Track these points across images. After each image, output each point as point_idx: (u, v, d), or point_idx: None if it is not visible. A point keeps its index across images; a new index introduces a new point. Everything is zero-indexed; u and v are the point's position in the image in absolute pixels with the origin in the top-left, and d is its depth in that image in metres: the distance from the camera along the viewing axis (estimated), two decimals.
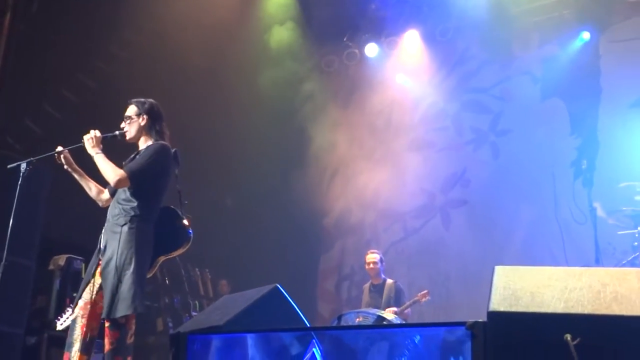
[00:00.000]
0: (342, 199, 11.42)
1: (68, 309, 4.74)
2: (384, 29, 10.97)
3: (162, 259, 4.64)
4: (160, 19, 8.88)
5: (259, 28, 10.47)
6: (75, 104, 8.47)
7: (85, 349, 4.32)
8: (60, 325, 4.78)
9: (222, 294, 9.08)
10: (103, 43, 8.76)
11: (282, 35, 10.66)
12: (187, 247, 4.65)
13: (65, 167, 4.66)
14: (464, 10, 9.89)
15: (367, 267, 8.42)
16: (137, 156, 4.60)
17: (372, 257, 8.39)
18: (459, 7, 9.95)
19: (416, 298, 8.00)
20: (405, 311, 7.81)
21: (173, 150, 4.66)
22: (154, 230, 4.52)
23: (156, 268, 4.62)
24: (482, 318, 3.11)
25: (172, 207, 4.69)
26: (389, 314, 7.29)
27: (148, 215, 4.50)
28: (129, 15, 8.68)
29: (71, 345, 4.33)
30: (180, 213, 4.66)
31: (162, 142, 4.64)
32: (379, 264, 8.32)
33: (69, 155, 4.63)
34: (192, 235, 4.61)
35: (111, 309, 4.22)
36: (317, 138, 11.02)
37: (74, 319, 4.41)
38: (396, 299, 7.99)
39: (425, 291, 8.04)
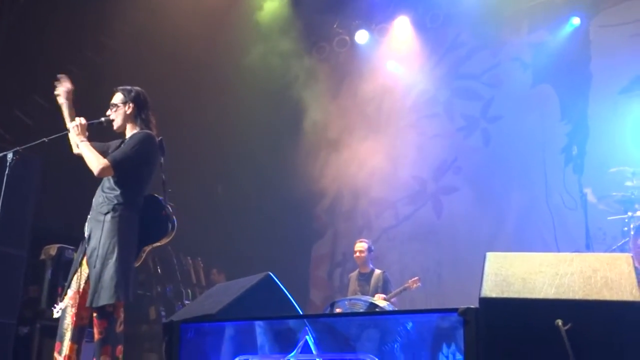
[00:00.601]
0: (334, 187, 11.42)
1: (62, 297, 4.75)
2: (374, 16, 10.95)
3: (148, 248, 4.61)
4: (148, 7, 8.83)
5: (249, 14, 10.42)
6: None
7: (76, 338, 4.32)
8: (57, 313, 4.78)
9: (215, 282, 9.09)
10: (93, 33, 8.72)
11: (272, 23, 10.61)
12: (171, 236, 4.59)
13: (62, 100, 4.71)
14: None
15: (354, 255, 8.44)
16: (122, 145, 4.58)
17: (360, 245, 8.40)
18: None
19: (407, 285, 8.02)
20: (392, 300, 7.82)
21: (158, 139, 4.64)
22: (140, 219, 4.51)
23: (143, 257, 4.60)
24: (474, 304, 3.12)
25: (156, 195, 4.66)
26: (381, 301, 7.32)
27: (132, 203, 4.47)
28: (117, 5, 8.63)
29: (62, 335, 4.33)
30: (163, 202, 4.65)
31: (147, 130, 4.62)
32: (366, 253, 8.32)
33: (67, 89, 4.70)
34: (175, 224, 4.57)
35: (94, 297, 4.22)
36: (308, 125, 11.01)
37: (64, 308, 4.41)
38: (383, 289, 8.01)
39: (416, 278, 8.07)
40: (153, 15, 8.85)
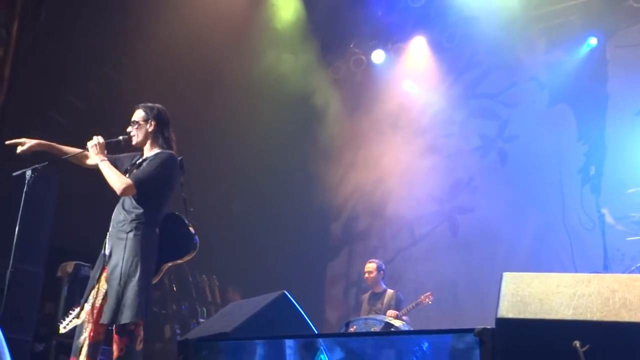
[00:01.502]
0: (349, 206, 11.42)
1: (71, 312, 4.79)
2: (390, 36, 10.99)
3: (167, 265, 4.67)
4: (167, 25, 8.90)
5: (265, 34, 10.47)
6: (83, 111, 8.50)
7: (92, 354, 4.34)
8: (64, 328, 4.82)
9: (230, 300, 9.08)
10: (111, 51, 8.79)
11: (289, 42, 10.65)
12: (194, 254, 4.68)
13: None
14: (470, 17, 9.89)
15: (364, 276, 8.45)
16: (145, 163, 4.61)
17: (369, 266, 8.40)
18: (465, 14, 9.95)
19: (419, 300, 8.01)
20: (404, 318, 7.79)
21: (179, 158, 4.68)
22: (160, 237, 4.54)
23: (161, 274, 4.64)
24: (491, 325, 3.10)
25: (177, 213, 4.71)
26: (397, 321, 7.28)
27: (153, 222, 4.52)
28: (136, 23, 8.71)
29: (78, 350, 4.35)
30: (186, 220, 4.68)
31: (170, 151, 4.66)
32: (376, 273, 8.31)
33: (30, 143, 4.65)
34: (198, 242, 4.63)
35: (116, 315, 4.24)
36: (324, 144, 11.03)
37: (80, 324, 4.43)
38: (396, 308, 7.98)
39: (428, 293, 8.05)
40: (170, 32, 8.92)
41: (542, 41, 9.92)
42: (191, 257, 4.70)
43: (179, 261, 4.72)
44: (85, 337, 4.36)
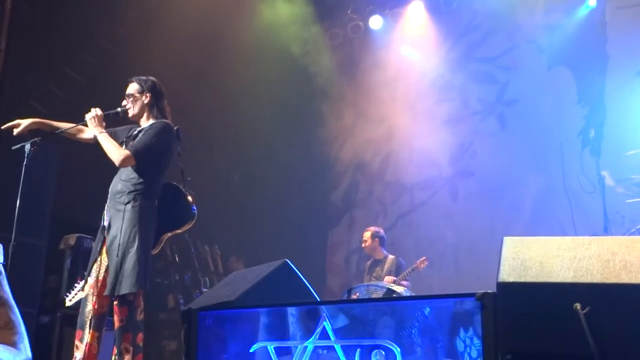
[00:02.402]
0: (349, 173, 11.43)
1: (76, 285, 4.83)
2: (388, 1, 10.90)
3: (167, 235, 4.71)
4: None
5: (262, 2, 10.39)
6: (79, 82, 8.46)
7: (97, 326, 4.39)
8: (69, 301, 4.87)
9: (233, 269, 9.12)
10: (105, 21, 8.72)
11: (284, 8, 10.57)
12: (192, 223, 4.74)
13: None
14: None
15: (362, 245, 8.51)
16: (141, 134, 4.61)
17: (364, 235, 8.47)
18: None
19: (414, 265, 8.06)
20: (404, 282, 7.84)
21: (175, 128, 4.68)
22: (158, 208, 4.56)
23: (161, 245, 4.67)
24: (492, 289, 3.12)
25: (175, 183, 4.73)
26: (398, 287, 7.32)
27: (151, 192, 4.54)
28: None
29: (83, 323, 4.39)
30: (184, 190, 4.70)
31: (165, 120, 4.67)
32: (370, 241, 8.35)
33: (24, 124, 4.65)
34: (196, 211, 4.67)
35: (115, 286, 4.28)
36: (323, 112, 11.00)
37: (84, 297, 4.47)
38: (396, 274, 8.04)
39: (424, 258, 8.09)
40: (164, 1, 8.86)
41: (540, 3, 9.83)
42: (190, 226, 4.74)
43: (178, 231, 4.77)
44: (89, 310, 4.40)
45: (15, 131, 4.67)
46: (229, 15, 9.59)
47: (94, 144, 4.67)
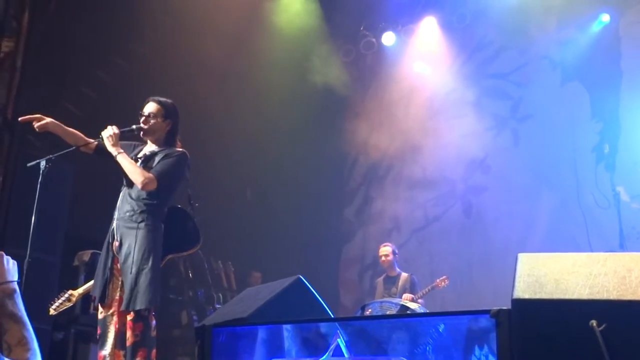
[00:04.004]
0: (362, 188, 11.42)
1: (61, 294, 4.93)
2: (400, 17, 10.93)
3: (170, 257, 4.80)
4: (176, 13, 8.90)
5: (275, 16, 10.44)
6: (94, 101, 8.52)
7: (120, 345, 4.41)
8: (54, 310, 4.96)
9: (252, 284, 9.12)
10: (121, 40, 8.80)
11: (298, 24, 10.61)
12: (197, 248, 4.85)
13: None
14: None
15: (380, 260, 8.47)
16: (158, 158, 4.63)
17: (385, 250, 8.42)
18: None
19: (434, 284, 8.03)
20: (420, 301, 7.81)
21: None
22: (165, 230, 4.64)
23: (162, 264, 4.73)
24: (507, 306, 3.09)
25: (182, 207, 4.84)
26: (412, 304, 7.30)
27: (160, 214, 4.62)
28: (146, 11, 8.71)
29: (104, 343, 4.41)
30: (191, 215, 4.84)
31: (184, 150, 4.73)
32: (392, 256, 8.34)
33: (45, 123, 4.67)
34: (201, 237, 4.79)
35: (130, 301, 4.31)
36: (337, 128, 11.02)
37: (102, 317, 4.49)
38: (411, 291, 8.01)
39: (444, 277, 8.07)
40: (180, 20, 8.92)
41: (553, 19, 9.83)
42: (193, 251, 4.88)
43: (183, 254, 4.91)
44: (111, 330, 4.45)
45: (37, 124, 4.66)
46: (243, 33, 9.65)
47: (95, 155, 4.76)
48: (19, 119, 4.77)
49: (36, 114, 4.73)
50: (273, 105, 10.17)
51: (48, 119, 4.70)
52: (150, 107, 4.74)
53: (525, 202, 9.50)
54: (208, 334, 4.21)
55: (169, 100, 4.81)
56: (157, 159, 4.64)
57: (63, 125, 4.78)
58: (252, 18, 9.89)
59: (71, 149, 4.75)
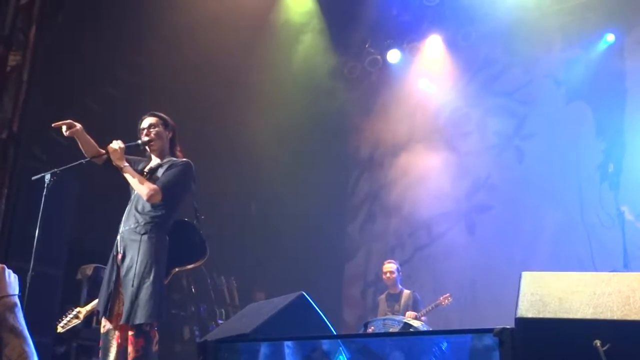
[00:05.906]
0: (366, 205, 11.41)
1: (69, 312, 4.89)
2: (405, 35, 10.96)
3: (176, 270, 4.75)
4: (183, 26, 8.93)
5: (281, 32, 10.47)
6: (100, 114, 8.55)
7: (122, 359, 4.39)
8: (62, 327, 4.93)
9: (255, 300, 9.10)
10: (128, 53, 8.84)
11: (303, 42, 10.66)
12: (203, 261, 4.82)
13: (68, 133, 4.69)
14: (486, 14, 9.85)
15: (384, 277, 8.45)
16: (162, 170, 4.66)
17: (389, 266, 8.41)
18: (481, 11, 9.91)
19: (438, 301, 8.00)
20: (423, 318, 7.79)
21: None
22: (170, 242, 4.62)
23: (169, 278, 4.70)
24: (510, 324, 3.08)
25: (188, 221, 4.80)
26: (416, 321, 7.27)
27: (165, 226, 4.62)
28: (152, 25, 8.74)
29: (106, 358, 4.41)
30: (198, 228, 4.80)
31: (188, 160, 4.77)
32: (396, 274, 8.34)
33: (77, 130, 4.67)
34: (208, 250, 4.75)
35: (130, 315, 4.28)
36: (341, 144, 11.03)
37: (105, 332, 4.47)
38: (413, 309, 8.00)
39: (447, 294, 8.04)
40: (184, 35, 8.95)
41: (558, 38, 9.85)
42: (199, 264, 4.84)
43: (189, 267, 4.86)
44: (113, 345, 4.42)
45: (67, 131, 4.65)
46: (248, 49, 9.68)
47: (103, 167, 4.77)
48: (52, 124, 4.75)
49: (66, 120, 4.70)
50: (277, 121, 10.18)
51: (79, 125, 4.70)
52: (149, 120, 4.83)
53: (529, 221, 9.47)
54: (210, 349, 4.19)
55: (163, 114, 4.88)
56: (161, 170, 4.67)
57: (88, 137, 4.80)
58: (257, 31, 9.92)
59: (76, 163, 4.76)
